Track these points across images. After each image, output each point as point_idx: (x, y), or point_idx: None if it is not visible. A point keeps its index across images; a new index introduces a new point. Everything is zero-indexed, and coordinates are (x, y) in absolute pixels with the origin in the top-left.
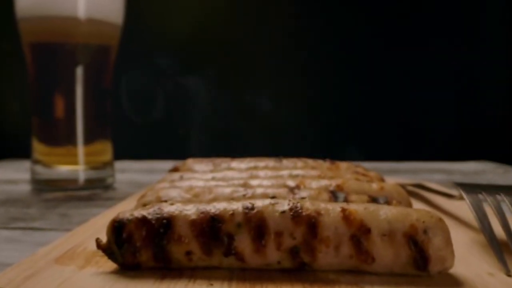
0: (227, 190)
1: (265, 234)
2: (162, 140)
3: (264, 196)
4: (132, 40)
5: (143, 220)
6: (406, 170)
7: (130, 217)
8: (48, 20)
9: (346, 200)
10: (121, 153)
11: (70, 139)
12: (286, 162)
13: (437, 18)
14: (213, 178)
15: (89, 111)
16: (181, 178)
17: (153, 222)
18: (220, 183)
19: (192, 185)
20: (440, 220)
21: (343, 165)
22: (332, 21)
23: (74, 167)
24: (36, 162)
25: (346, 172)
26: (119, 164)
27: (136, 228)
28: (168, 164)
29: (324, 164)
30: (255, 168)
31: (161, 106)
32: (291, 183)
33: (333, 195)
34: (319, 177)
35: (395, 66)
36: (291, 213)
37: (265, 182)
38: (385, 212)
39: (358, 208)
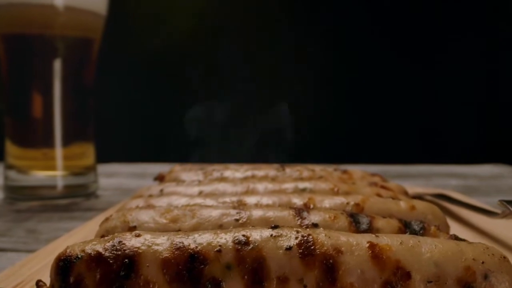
0: (215, 213)
1: (265, 280)
2: (157, 142)
3: (263, 222)
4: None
5: (98, 259)
6: (417, 175)
7: (81, 254)
8: (22, 8)
9: (371, 228)
10: (110, 156)
11: (47, 141)
12: (289, 170)
13: (457, 20)
14: (200, 193)
15: (68, 109)
16: (161, 192)
17: (111, 261)
18: (208, 201)
19: (172, 203)
20: (504, 259)
21: (357, 173)
22: (346, 22)
23: (52, 172)
24: (10, 167)
25: (362, 184)
26: (107, 168)
27: (88, 269)
28: (162, 167)
29: (334, 173)
30: (253, 178)
31: (156, 106)
32: (298, 201)
33: (354, 220)
34: (332, 191)
35: (407, 65)
36: (301, 251)
37: (265, 200)
38: (430, 248)
39: (392, 242)
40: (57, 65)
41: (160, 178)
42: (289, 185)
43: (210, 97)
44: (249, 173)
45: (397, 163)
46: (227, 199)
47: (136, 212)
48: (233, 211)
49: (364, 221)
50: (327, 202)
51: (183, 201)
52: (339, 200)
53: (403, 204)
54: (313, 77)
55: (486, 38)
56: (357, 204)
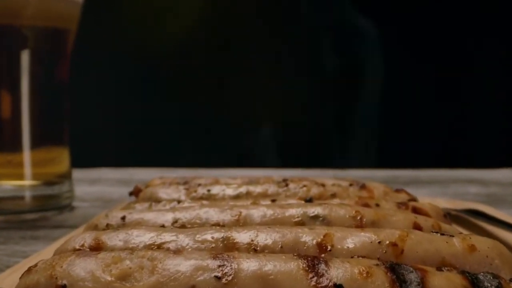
0: (186, 267)
1: None
2: (149, 144)
3: (258, 282)
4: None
5: None
6: (431, 181)
7: None
8: None
9: None
10: (99, 160)
11: (12, 145)
12: (293, 186)
13: (476, 22)
14: (175, 223)
15: (38, 109)
16: (123, 221)
17: None
18: (181, 238)
19: (130, 243)
20: None
21: (378, 189)
22: (354, 21)
23: (19, 182)
24: None
25: (388, 205)
26: (91, 173)
27: None
28: (152, 173)
29: (350, 190)
30: (247, 196)
31: (147, 105)
32: (309, 239)
33: (396, 277)
34: (353, 220)
35: (420, 64)
36: None
37: (262, 238)
38: None
39: None
40: (25, 58)
41: (135, 193)
42: (295, 211)
43: (203, 97)
44: (243, 189)
45: (406, 167)
46: (209, 236)
47: (69, 263)
48: (213, 263)
49: (412, 279)
50: (351, 241)
51: (146, 238)
52: (367, 237)
53: (457, 243)
54: (316, 77)
55: (506, 39)
56: (393, 244)
